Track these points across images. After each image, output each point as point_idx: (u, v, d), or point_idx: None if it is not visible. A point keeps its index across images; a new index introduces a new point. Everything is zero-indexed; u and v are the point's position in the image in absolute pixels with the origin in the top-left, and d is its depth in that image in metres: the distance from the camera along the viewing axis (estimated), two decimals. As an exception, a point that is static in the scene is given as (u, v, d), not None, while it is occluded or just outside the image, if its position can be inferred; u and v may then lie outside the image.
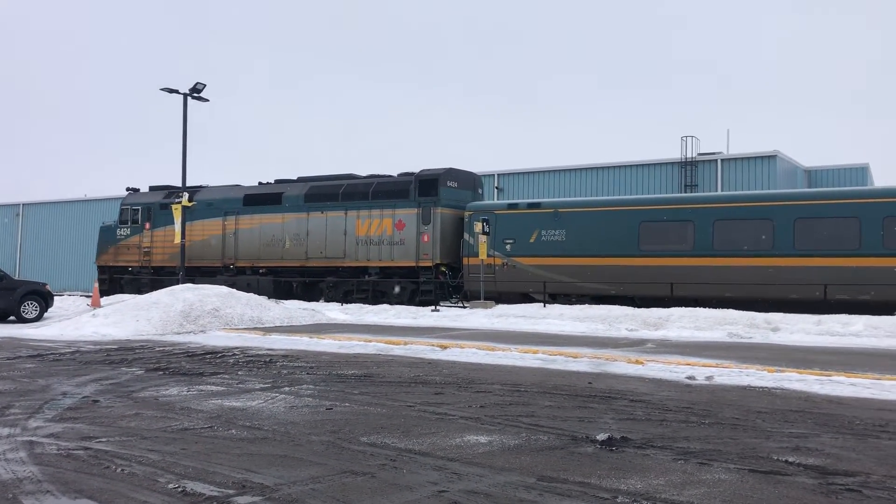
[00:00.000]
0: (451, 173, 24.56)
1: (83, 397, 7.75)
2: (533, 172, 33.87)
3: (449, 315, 19.82)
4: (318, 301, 24.80)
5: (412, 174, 24.73)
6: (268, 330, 15.99)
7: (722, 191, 28.30)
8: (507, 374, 9.37)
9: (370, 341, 13.26)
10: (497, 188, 34.09)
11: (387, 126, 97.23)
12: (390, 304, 23.03)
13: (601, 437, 5.71)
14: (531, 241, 22.50)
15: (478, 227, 22.27)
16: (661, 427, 6.22)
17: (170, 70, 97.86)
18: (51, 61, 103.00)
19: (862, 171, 30.28)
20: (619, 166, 31.63)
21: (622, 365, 10.19)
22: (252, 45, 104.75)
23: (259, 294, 21.30)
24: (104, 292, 27.57)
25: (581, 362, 10.48)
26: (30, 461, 5.14)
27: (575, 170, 32.64)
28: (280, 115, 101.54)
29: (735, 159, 29.33)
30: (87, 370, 9.86)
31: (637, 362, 10.31)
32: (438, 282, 23.61)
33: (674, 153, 30.67)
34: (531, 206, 23.40)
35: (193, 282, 23.70)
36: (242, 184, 29.21)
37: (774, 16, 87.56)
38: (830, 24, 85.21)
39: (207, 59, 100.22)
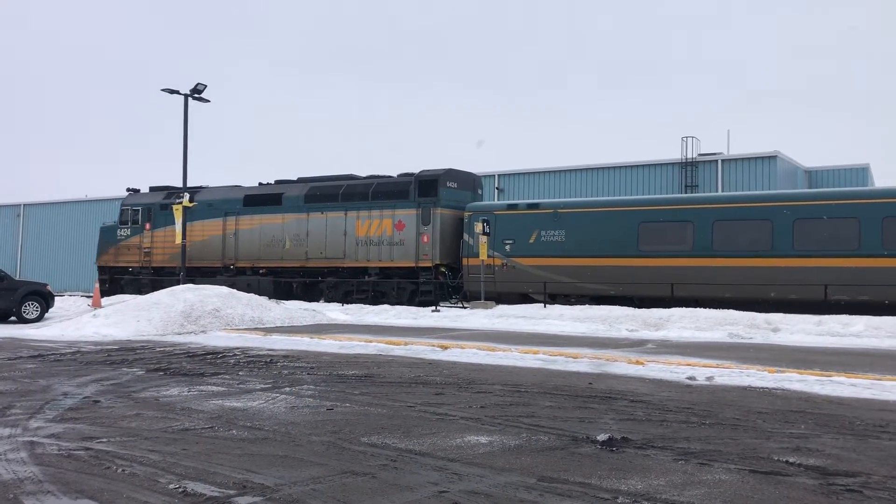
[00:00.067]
0: (451, 174, 24.57)
1: (84, 398, 7.75)
2: (534, 173, 33.88)
3: (449, 315, 19.83)
4: (317, 301, 24.81)
5: (412, 175, 24.74)
6: (268, 330, 15.99)
7: (722, 191, 28.31)
8: (507, 375, 9.37)
9: (371, 342, 13.27)
10: (498, 189, 34.09)
11: (387, 126, 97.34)
12: (390, 304, 23.04)
13: (602, 437, 5.71)
14: (531, 241, 22.50)
15: (478, 227, 22.28)
16: (661, 427, 6.22)
17: (170, 70, 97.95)
18: (51, 61, 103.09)
19: (863, 172, 30.28)
20: (621, 167, 31.64)
21: (623, 365, 10.19)
22: (252, 45, 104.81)
23: (259, 294, 21.31)
24: (104, 293, 27.57)
25: (581, 363, 10.48)
26: (31, 461, 5.14)
27: (576, 170, 32.65)
28: (280, 115, 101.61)
29: (735, 160, 29.34)
30: (88, 370, 9.86)
31: (637, 363, 10.32)
32: (438, 282, 23.62)
33: (674, 154, 30.69)
34: (530, 206, 23.40)
35: (193, 282, 23.72)
36: (242, 184, 29.25)
37: (775, 16, 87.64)
38: (832, 25, 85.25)
39: (207, 58, 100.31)
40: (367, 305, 22.85)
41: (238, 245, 27.56)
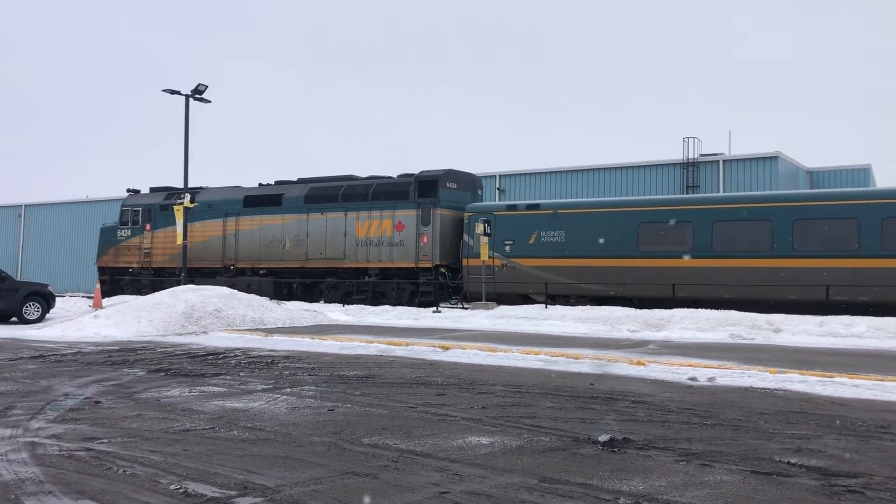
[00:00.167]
0: (451, 174, 24.58)
1: (85, 398, 7.75)
2: (535, 173, 33.88)
3: (450, 316, 19.82)
4: (317, 302, 24.82)
5: (412, 175, 24.75)
6: (269, 331, 15.99)
7: (724, 192, 28.31)
8: (508, 376, 9.37)
9: (372, 342, 13.26)
10: (499, 189, 34.10)
11: (387, 126, 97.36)
12: (390, 305, 23.04)
13: (603, 438, 5.70)
14: (530, 242, 22.50)
15: (479, 228, 22.28)
16: (663, 428, 6.22)
17: (169, 70, 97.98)
18: (51, 61, 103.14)
19: (864, 172, 30.27)
20: (622, 167, 31.64)
21: (624, 366, 10.18)
22: (252, 45, 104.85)
23: (259, 295, 21.32)
24: (104, 293, 27.58)
25: (583, 363, 10.48)
26: (32, 462, 5.14)
27: (577, 171, 32.65)
28: (280, 115, 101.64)
29: (737, 160, 29.34)
30: (89, 371, 9.86)
31: (639, 363, 10.31)
32: (438, 283, 23.62)
33: (676, 154, 30.70)
34: (530, 207, 23.40)
35: (193, 283, 23.73)
36: (242, 185, 29.26)
37: (776, 16, 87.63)
38: (833, 25, 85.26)
39: (207, 59, 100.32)
40: (368, 306, 22.85)
41: (238, 246, 27.57)
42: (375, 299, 24.21)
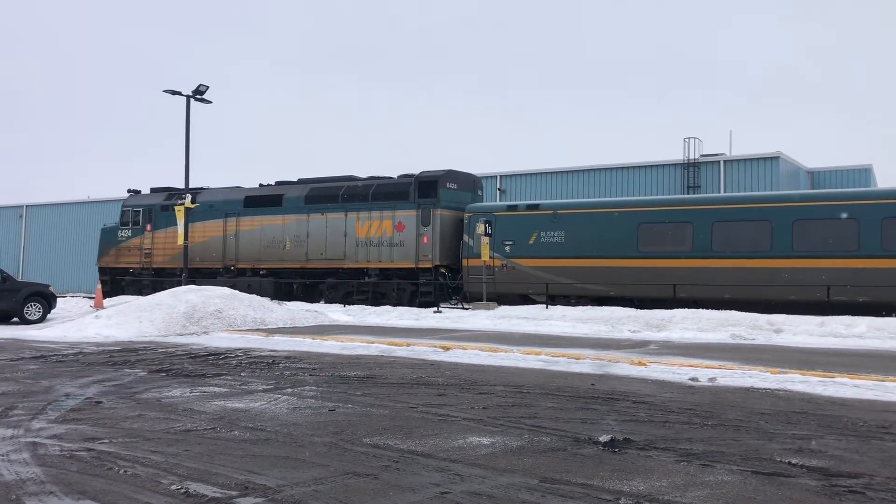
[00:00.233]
0: (451, 175, 24.59)
1: (86, 398, 7.75)
2: (536, 174, 33.88)
3: (451, 316, 19.82)
4: (317, 302, 24.83)
5: (412, 176, 24.76)
6: (270, 331, 15.99)
7: (724, 192, 28.30)
8: (509, 376, 9.37)
9: (372, 343, 13.27)
10: (500, 189, 34.11)
11: (387, 126, 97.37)
12: (391, 305, 23.05)
13: (604, 438, 5.70)
14: (530, 242, 22.50)
15: (480, 228, 22.28)
16: (663, 428, 6.22)
17: (170, 70, 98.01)
18: (52, 62, 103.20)
19: (865, 173, 30.26)
20: (623, 168, 31.65)
21: (625, 366, 10.18)
22: (252, 45, 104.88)
23: (259, 295, 21.33)
24: (106, 294, 27.60)
25: (584, 364, 10.48)
26: (33, 462, 5.14)
27: (578, 171, 32.65)
28: (280, 115, 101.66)
29: (738, 161, 29.33)
30: (90, 371, 9.87)
31: (640, 364, 10.31)
32: (438, 283, 23.62)
33: (677, 154, 30.70)
34: (530, 207, 23.40)
35: (194, 283, 23.74)
36: (243, 185, 29.27)
37: (777, 16, 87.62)
38: (834, 25, 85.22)
39: (207, 59, 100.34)
40: (369, 306, 22.87)
41: (238, 246, 27.58)
42: (376, 300, 24.22)
